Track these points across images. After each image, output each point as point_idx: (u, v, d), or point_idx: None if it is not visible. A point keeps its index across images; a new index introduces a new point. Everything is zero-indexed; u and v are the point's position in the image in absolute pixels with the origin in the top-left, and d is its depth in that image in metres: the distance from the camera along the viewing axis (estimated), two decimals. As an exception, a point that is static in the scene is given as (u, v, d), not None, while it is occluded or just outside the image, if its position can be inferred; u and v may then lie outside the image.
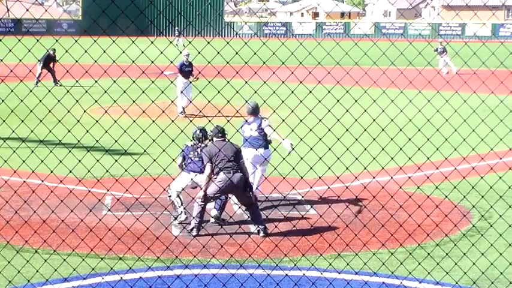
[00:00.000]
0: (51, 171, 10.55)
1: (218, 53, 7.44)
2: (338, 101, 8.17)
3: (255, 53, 7.04)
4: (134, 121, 7.75)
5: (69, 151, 10.25)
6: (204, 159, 11.74)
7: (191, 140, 12.49)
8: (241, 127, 13.19)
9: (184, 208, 12.23)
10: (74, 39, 7.62)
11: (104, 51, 7.10)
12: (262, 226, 11.54)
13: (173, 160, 12.66)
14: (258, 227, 11.56)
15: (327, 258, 10.13)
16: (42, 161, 9.33)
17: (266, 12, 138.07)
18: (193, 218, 11.55)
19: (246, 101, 11.70)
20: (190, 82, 24.87)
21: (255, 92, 7.22)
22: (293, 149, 12.60)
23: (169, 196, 12.29)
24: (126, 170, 10.43)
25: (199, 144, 12.38)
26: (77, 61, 6.86)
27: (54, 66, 34.39)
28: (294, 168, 9.48)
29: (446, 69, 39.00)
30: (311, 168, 9.62)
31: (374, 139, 9.54)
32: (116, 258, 9.86)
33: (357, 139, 8.57)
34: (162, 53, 7.43)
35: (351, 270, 9.53)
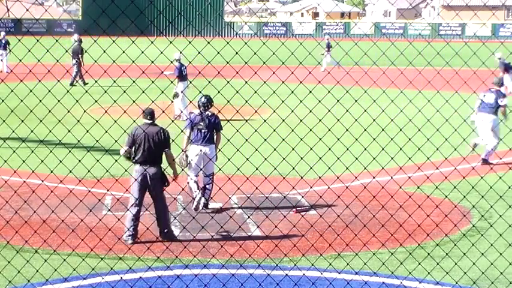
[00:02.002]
0: (51, 171, 10.55)
1: (218, 53, 7.44)
2: (338, 101, 8.17)
3: (255, 53, 7.04)
4: (134, 121, 7.75)
5: (69, 151, 10.25)
6: (126, 141, 11.13)
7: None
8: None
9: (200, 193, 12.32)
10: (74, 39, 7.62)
11: (104, 51, 7.10)
12: (163, 230, 11.13)
13: (182, 131, 12.73)
14: (161, 230, 11.09)
15: (327, 258, 10.12)
16: (42, 161, 9.33)
17: (266, 12, 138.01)
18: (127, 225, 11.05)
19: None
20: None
21: (255, 92, 7.22)
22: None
23: (188, 182, 12.35)
24: (126, 170, 10.42)
25: (205, 112, 12.43)
26: (77, 61, 6.85)
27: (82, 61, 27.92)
28: (294, 168, 9.48)
29: (333, 64, 37.85)
30: (311, 168, 9.62)
31: (374, 139, 9.53)
32: (116, 258, 9.86)
33: (356, 139, 8.56)
34: (162, 53, 7.43)
35: (351, 270, 9.53)
